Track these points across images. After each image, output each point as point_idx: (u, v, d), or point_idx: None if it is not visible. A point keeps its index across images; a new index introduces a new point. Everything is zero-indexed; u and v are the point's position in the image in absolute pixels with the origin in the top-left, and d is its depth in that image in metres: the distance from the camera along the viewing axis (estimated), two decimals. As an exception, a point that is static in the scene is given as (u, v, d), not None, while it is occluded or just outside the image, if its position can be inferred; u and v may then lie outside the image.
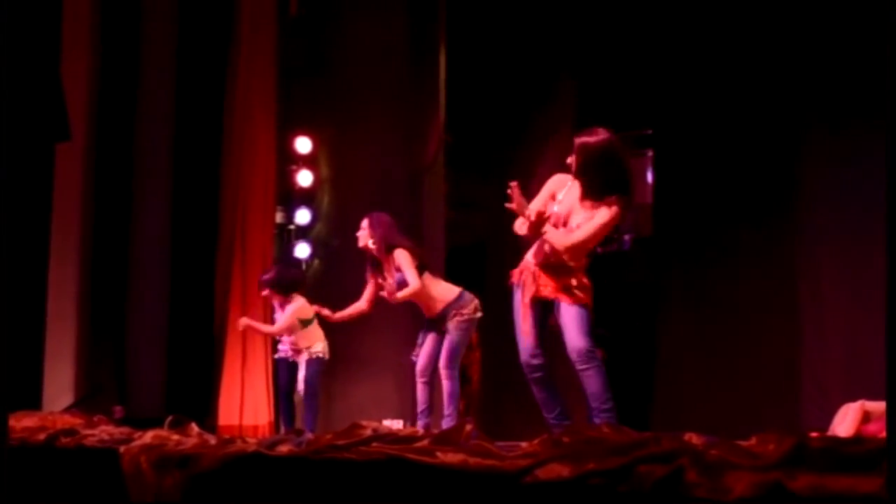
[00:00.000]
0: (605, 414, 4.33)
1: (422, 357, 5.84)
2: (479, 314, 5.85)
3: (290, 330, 6.73)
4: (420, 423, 5.73)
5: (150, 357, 7.67)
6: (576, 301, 4.43)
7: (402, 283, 5.72)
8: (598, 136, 4.43)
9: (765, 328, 6.97)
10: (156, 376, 7.72)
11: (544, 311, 4.55)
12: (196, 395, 7.76)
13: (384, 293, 5.71)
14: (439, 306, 5.77)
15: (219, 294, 7.94)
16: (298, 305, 6.77)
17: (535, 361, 4.53)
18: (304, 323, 6.77)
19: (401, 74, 8.41)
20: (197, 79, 8.03)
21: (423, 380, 5.80)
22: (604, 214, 4.39)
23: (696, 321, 7.33)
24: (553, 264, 4.49)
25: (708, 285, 7.29)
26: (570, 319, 4.44)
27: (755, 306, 7.03)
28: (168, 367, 7.79)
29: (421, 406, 5.77)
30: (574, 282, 4.45)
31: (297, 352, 6.80)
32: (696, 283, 7.38)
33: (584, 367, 4.39)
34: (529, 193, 8.29)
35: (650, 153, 7.93)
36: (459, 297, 5.81)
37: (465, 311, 5.77)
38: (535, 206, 4.56)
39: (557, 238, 4.41)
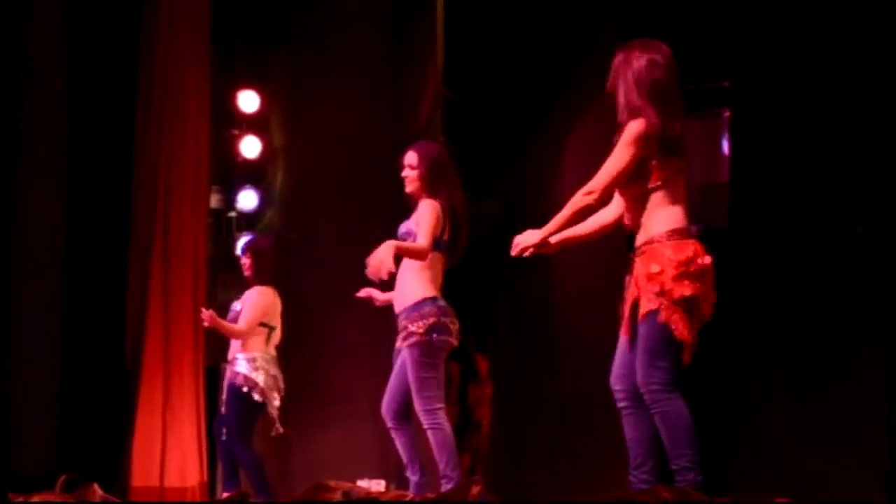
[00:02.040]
0: (676, 476, 4.37)
1: (387, 390, 5.77)
2: (440, 336, 5.59)
3: (256, 323, 6.86)
4: (412, 483, 5.71)
5: (36, 395, 7.67)
6: (656, 308, 4.49)
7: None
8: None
9: (876, 369, 6.95)
10: (45, 422, 7.71)
11: None
12: (100, 447, 7.75)
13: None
14: (398, 305, 5.71)
15: (131, 308, 7.94)
16: (260, 291, 6.89)
17: (616, 386, 4.62)
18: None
19: (383, 7, 8.42)
20: (101, 15, 8.04)
21: (391, 424, 5.74)
22: (630, 131, 4.53)
23: (786, 351, 7.34)
24: (637, 246, 4.59)
25: (802, 301, 7.29)
26: (639, 330, 4.52)
27: (867, 336, 7.03)
28: (61, 408, 7.78)
29: (405, 459, 5.73)
30: (665, 274, 4.51)
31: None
32: (786, 296, 7.38)
33: (651, 409, 4.47)
34: (561, 170, 8.27)
35: (726, 114, 7.93)
36: (421, 303, 5.63)
37: (415, 327, 5.68)
38: None
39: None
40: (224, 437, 6.87)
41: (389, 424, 5.72)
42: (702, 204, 7.74)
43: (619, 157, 4.54)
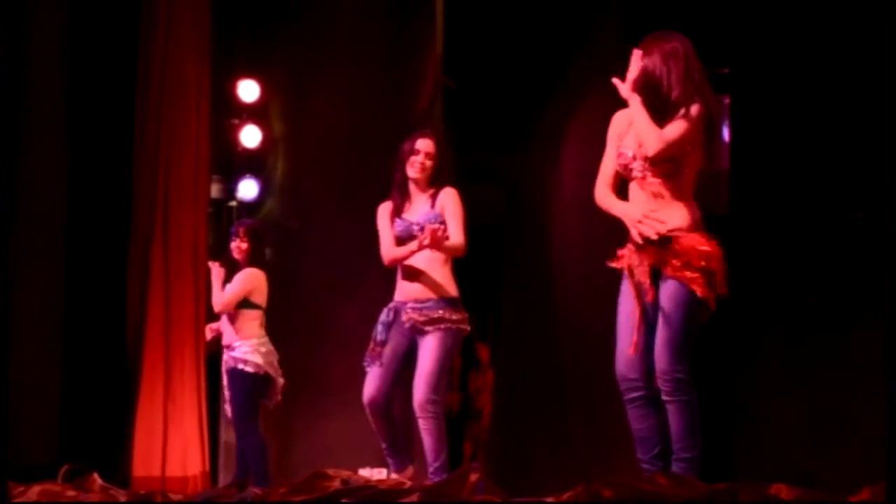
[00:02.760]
0: (685, 463, 4.39)
1: (378, 375, 5.77)
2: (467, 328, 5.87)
3: (236, 304, 6.95)
4: (396, 463, 5.75)
5: (38, 386, 7.68)
6: (680, 280, 4.53)
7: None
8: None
9: (878, 356, 6.95)
10: (47, 412, 7.73)
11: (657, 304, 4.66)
12: (102, 437, 7.77)
13: (422, 237, 5.59)
14: (432, 294, 5.73)
15: (132, 298, 7.94)
16: (252, 273, 6.92)
17: (633, 375, 4.62)
18: (242, 302, 6.91)
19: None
20: (101, 4, 8.04)
21: (377, 413, 5.75)
22: (693, 109, 4.59)
23: (788, 340, 7.35)
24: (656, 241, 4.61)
25: (803, 288, 7.29)
26: (661, 319, 4.53)
27: (869, 323, 7.04)
28: (63, 398, 7.80)
29: (384, 443, 5.77)
30: (681, 255, 4.55)
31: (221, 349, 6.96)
32: (787, 283, 7.39)
33: (666, 397, 4.49)
34: (561, 158, 8.22)
35: (726, 100, 7.93)
36: (457, 300, 5.82)
37: (455, 316, 5.75)
38: (610, 159, 4.79)
39: (647, 134, 4.55)
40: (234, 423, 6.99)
41: (375, 412, 5.73)
42: (702, 191, 7.75)
43: (678, 129, 4.58)
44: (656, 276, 4.65)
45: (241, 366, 6.89)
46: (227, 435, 8.02)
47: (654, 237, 4.56)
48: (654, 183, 4.66)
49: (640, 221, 4.60)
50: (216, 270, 7.10)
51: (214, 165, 8.43)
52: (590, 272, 7.60)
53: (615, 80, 4.69)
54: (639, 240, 4.61)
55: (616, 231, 4.89)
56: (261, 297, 7.03)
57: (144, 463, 7.78)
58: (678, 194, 4.65)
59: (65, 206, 7.91)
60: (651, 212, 4.60)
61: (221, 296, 7.06)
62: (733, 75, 7.84)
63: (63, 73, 7.92)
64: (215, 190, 8.58)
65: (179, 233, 8.04)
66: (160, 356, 7.89)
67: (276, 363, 7.02)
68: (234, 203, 8.68)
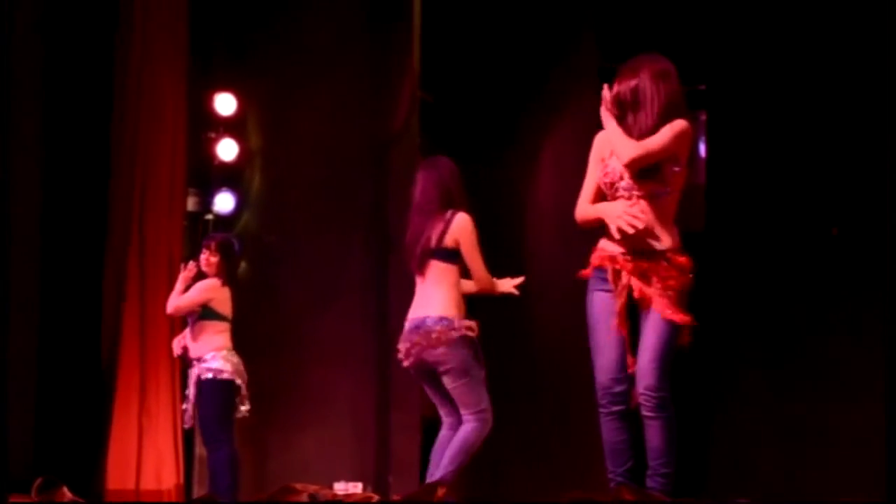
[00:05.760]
0: (664, 479, 4.42)
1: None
2: None
3: (189, 310, 6.89)
4: None
5: (12, 398, 7.64)
6: (664, 309, 4.57)
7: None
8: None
9: (851, 372, 7.00)
10: (21, 424, 7.70)
11: (634, 314, 4.69)
12: (77, 450, 7.75)
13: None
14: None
15: (107, 311, 7.94)
16: (214, 284, 6.90)
17: (619, 388, 4.65)
18: (208, 314, 6.87)
19: (359, 8, 8.44)
20: (77, 18, 8.04)
21: None
22: (676, 124, 4.61)
23: (762, 357, 7.38)
24: (645, 249, 4.63)
25: (778, 303, 7.33)
26: (649, 336, 4.59)
27: (843, 339, 7.07)
28: (37, 411, 7.78)
29: None
30: (667, 277, 4.60)
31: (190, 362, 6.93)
32: (763, 299, 7.42)
33: (649, 413, 4.52)
34: (537, 172, 8.25)
35: (703, 117, 7.97)
36: None
37: None
38: (592, 179, 4.81)
39: (621, 142, 4.59)
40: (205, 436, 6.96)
41: None
42: (679, 206, 7.79)
43: (658, 139, 4.60)
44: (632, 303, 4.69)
45: (213, 375, 6.87)
46: (202, 448, 7.99)
47: (631, 231, 4.57)
48: (640, 203, 4.68)
49: (618, 216, 4.62)
50: (187, 272, 7.02)
51: (191, 178, 8.42)
52: (566, 287, 7.63)
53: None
54: (616, 235, 4.61)
55: (593, 245, 4.91)
56: (225, 309, 6.99)
57: (119, 476, 7.77)
58: (661, 216, 4.67)
59: (39, 219, 7.90)
60: (630, 206, 4.61)
61: (177, 299, 7.00)
62: (710, 92, 7.90)
63: (39, 85, 7.91)
64: (191, 203, 8.56)
65: (155, 245, 8.04)
66: (135, 369, 7.88)
67: (243, 373, 7.00)
68: (210, 216, 8.66)
